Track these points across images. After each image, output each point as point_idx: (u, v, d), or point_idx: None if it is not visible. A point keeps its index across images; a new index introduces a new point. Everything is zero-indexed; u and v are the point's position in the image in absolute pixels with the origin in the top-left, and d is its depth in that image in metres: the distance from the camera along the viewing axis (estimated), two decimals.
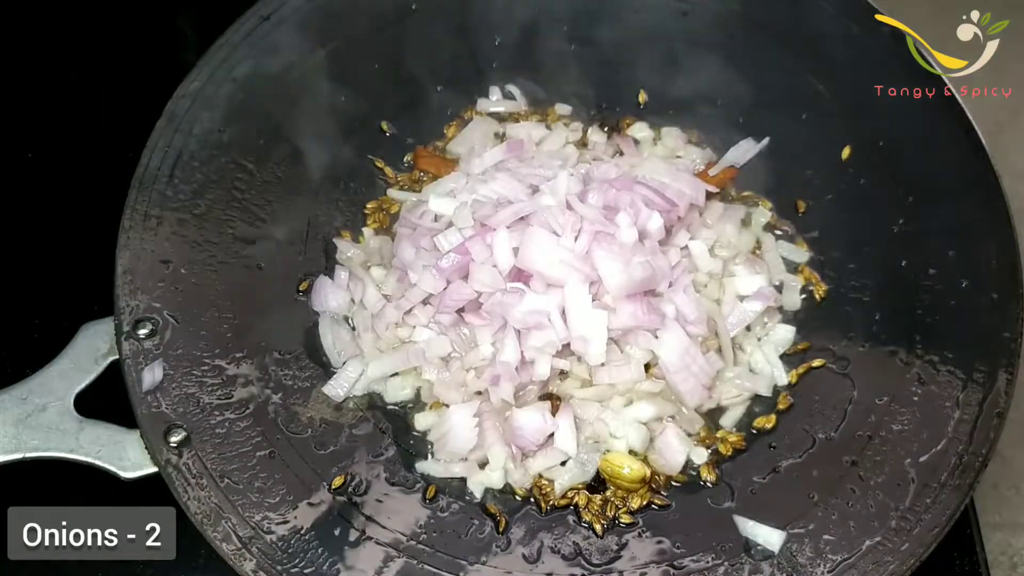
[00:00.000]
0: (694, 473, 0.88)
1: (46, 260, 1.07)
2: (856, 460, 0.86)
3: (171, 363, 0.87)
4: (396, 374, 0.92)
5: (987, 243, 0.91)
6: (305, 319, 0.95)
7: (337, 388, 0.90)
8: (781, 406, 0.92)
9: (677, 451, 0.87)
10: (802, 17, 1.04)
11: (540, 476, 0.87)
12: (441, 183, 1.00)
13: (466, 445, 0.86)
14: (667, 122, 1.08)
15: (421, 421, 0.90)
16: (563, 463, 0.88)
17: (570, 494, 0.86)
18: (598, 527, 0.84)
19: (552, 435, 0.87)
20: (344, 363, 0.92)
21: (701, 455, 0.89)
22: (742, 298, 0.95)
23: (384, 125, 1.06)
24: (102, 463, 0.83)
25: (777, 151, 1.04)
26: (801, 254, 1.00)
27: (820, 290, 0.97)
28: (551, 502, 0.86)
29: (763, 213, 1.02)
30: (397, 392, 0.91)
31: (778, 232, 1.02)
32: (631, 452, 0.88)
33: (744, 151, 1.04)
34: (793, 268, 0.99)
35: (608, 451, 0.88)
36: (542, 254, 0.87)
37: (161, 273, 0.91)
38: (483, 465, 0.87)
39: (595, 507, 0.86)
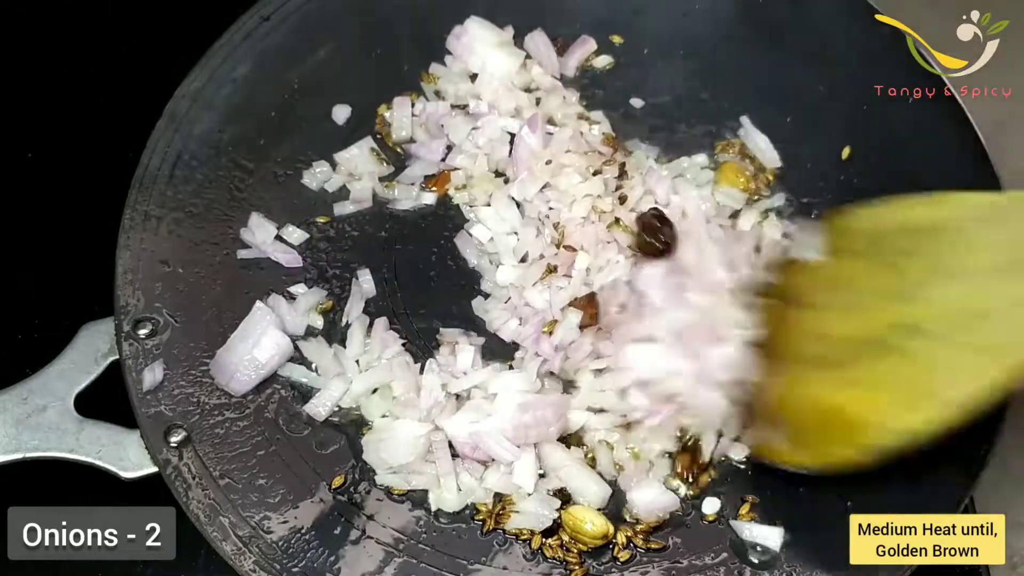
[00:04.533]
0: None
1: (46, 260, 1.07)
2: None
3: (171, 363, 0.87)
4: (375, 391, 0.89)
5: None
6: None
7: (319, 407, 0.88)
8: None
9: (657, 501, 0.84)
10: (802, 17, 1.04)
11: (504, 496, 0.85)
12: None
13: (398, 459, 0.84)
14: (666, 124, 1.06)
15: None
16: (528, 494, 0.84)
17: (525, 532, 0.83)
18: (575, 568, 0.82)
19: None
20: (328, 381, 0.89)
21: (713, 505, 0.86)
22: None
23: None
24: (102, 463, 0.83)
25: (776, 151, 1.04)
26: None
27: None
28: (500, 527, 0.84)
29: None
30: (375, 410, 0.88)
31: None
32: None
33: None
34: None
35: (570, 504, 0.84)
36: None
37: (161, 273, 0.91)
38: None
39: (555, 548, 0.83)
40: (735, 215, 1.00)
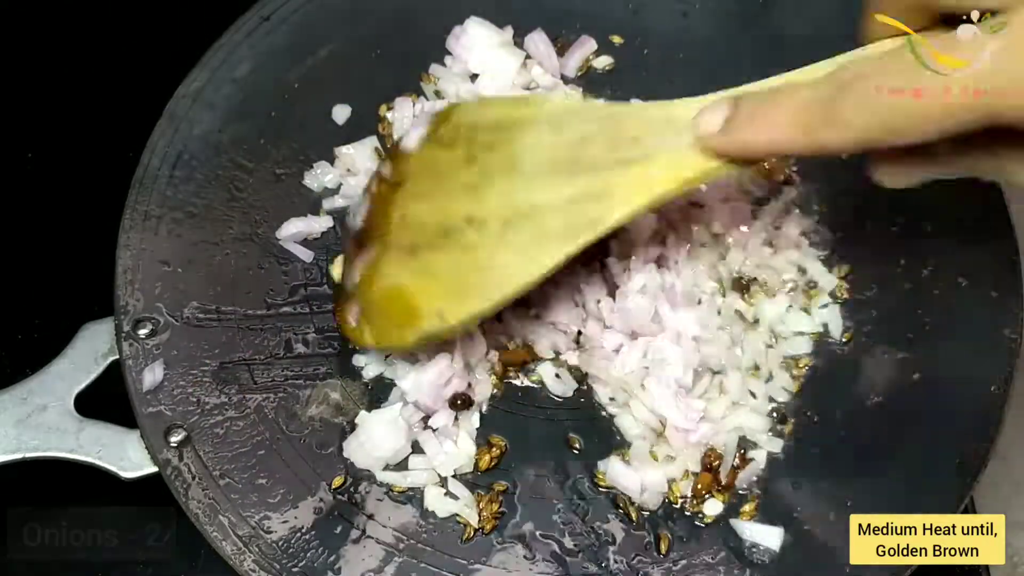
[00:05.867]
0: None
1: (46, 260, 1.07)
2: (854, 461, 0.86)
3: (171, 363, 0.87)
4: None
5: (987, 243, 0.91)
6: None
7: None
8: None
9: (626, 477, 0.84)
10: (802, 17, 1.04)
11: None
12: None
13: (383, 451, 0.85)
14: None
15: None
16: None
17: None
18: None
19: None
20: None
21: (715, 506, 0.84)
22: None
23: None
24: (102, 463, 0.83)
25: None
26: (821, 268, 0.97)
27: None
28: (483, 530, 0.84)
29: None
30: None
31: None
32: None
33: None
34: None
35: None
36: None
37: (161, 273, 0.92)
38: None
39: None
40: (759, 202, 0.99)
